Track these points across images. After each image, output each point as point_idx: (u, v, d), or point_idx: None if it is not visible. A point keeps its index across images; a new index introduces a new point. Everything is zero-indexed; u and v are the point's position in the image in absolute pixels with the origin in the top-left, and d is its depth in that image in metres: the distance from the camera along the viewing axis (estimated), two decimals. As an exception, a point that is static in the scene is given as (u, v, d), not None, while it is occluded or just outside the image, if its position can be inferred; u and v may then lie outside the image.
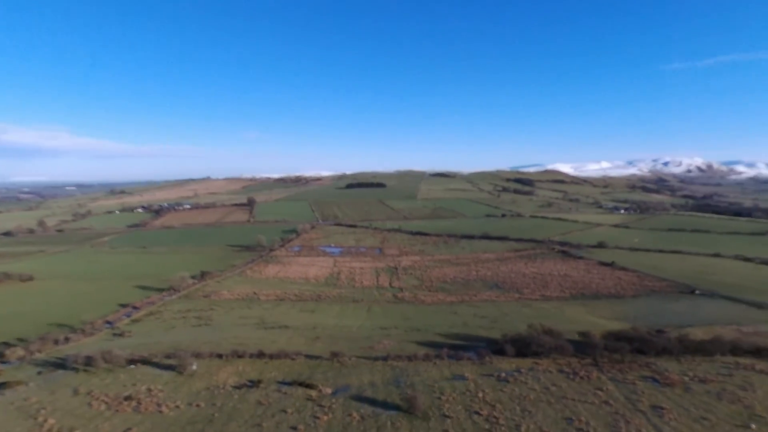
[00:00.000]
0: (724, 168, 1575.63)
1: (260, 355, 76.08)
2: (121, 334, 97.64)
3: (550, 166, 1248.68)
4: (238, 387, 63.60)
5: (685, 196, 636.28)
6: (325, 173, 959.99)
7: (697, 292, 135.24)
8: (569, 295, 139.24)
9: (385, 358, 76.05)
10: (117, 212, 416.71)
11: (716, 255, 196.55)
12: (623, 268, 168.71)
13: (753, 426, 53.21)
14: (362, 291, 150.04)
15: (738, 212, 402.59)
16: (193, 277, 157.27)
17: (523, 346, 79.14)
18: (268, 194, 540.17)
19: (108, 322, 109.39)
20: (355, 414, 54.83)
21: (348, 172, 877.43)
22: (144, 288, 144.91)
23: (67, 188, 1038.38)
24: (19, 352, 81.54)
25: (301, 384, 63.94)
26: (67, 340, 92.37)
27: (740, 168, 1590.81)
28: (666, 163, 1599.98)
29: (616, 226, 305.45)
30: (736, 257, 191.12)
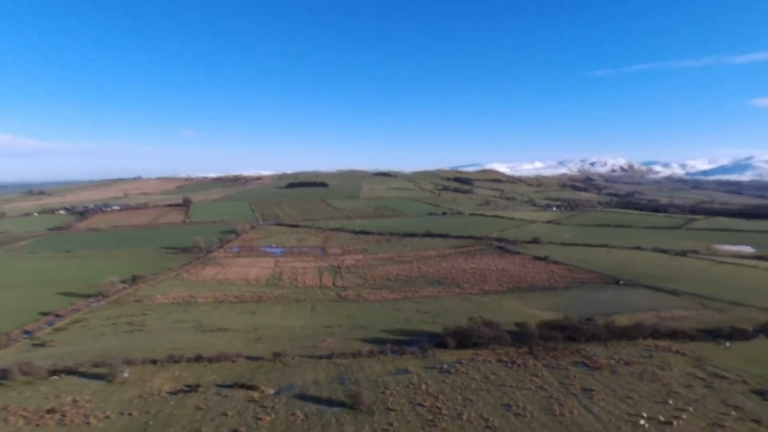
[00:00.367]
0: (643, 168, 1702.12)
1: (198, 358, 73.24)
2: (42, 344, 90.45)
3: (487, 166, 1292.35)
4: (174, 392, 60.86)
5: (610, 194, 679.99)
6: (265, 172, 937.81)
7: (621, 282, 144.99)
8: (507, 288, 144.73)
9: (329, 356, 75.71)
10: (36, 214, 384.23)
11: (637, 248, 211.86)
12: (556, 262, 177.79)
13: (671, 401, 57.93)
14: (305, 291, 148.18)
15: (656, 209, 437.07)
16: (123, 282, 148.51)
17: (463, 339, 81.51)
18: (205, 194, 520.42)
19: (26, 332, 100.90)
20: (298, 413, 54.12)
21: (289, 172, 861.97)
22: (68, 294, 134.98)
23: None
24: None
25: (242, 386, 62.24)
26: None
27: (657, 168, 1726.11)
28: (593, 164, 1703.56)
29: (548, 222, 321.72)
30: (655, 249, 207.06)
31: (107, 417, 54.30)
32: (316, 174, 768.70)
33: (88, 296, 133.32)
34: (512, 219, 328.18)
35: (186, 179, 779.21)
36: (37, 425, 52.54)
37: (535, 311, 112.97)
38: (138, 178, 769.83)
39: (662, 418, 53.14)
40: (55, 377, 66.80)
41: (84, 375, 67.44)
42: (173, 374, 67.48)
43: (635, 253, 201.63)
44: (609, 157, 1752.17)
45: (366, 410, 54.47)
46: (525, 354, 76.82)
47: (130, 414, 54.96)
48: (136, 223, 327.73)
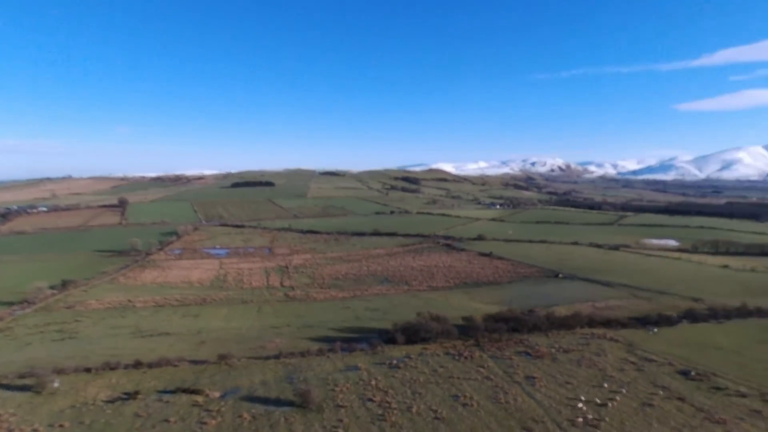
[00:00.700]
0: (579, 168, 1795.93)
1: (137, 365, 69.68)
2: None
3: (434, 166, 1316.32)
4: (110, 401, 57.57)
5: (549, 193, 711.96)
6: (208, 172, 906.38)
7: (560, 275, 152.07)
8: (453, 284, 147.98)
9: (277, 357, 74.35)
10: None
11: (575, 243, 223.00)
12: (500, 258, 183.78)
13: (606, 385, 61.44)
14: (252, 292, 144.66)
15: (591, 206, 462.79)
16: (52, 288, 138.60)
17: (412, 334, 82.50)
18: (143, 194, 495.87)
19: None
20: (246, 414, 52.74)
21: (234, 171, 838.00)
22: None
23: None
24: None
25: (185, 390, 59.85)
26: None
27: (592, 168, 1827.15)
28: (533, 163, 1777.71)
29: (492, 220, 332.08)
30: (590, 244, 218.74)
31: (35, 430, 50.54)
32: (262, 173, 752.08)
33: (12, 304, 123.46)
34: (458, 217, 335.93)
35: (122, 179, 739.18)
36: (-47, 444, 48.14)
37: (480, 305, 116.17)
38: (68, 178, 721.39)
39: (598, 401, 56.26)
40: (-27, 391, 61.36)
41: (8, 387, 62.37)
42: (109, 382, 63.83)
43: (573, 248, 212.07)
44: (548, 157, 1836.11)
45: (315, 408, 53.94)
46: (472, 346, 78.87)
47: (61, 425, 51.43)
48: (67, 225, 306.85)
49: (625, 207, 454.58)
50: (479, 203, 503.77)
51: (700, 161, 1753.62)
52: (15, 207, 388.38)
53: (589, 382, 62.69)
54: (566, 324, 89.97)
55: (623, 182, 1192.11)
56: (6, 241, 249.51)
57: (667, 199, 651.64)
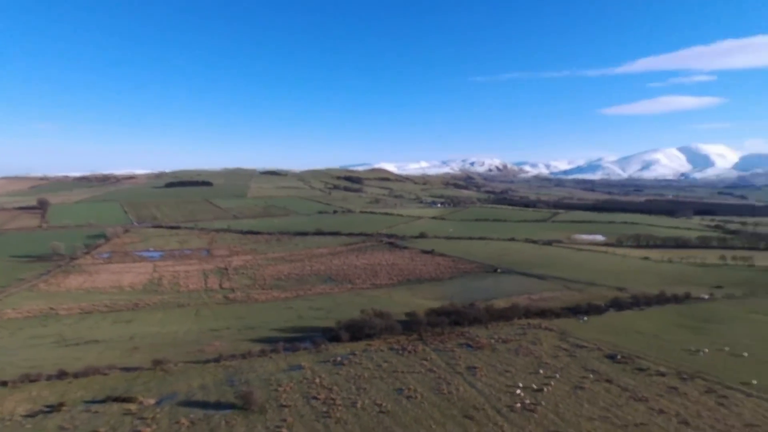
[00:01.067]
0: (516, 168, 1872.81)
1: (61, 375, 64.77)
2: None
3: (376, 165, 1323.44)
4: (31, 415, 53.12)
5: (487, 192, 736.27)
6: (140, 171, 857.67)
7: (498, 270, 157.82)
8: (397, 281, 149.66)
9: (217, 360, 71.84)
10: None
11: (511, 239, 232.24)
12: (441, 254, 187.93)
13: (541, 371, 64.43)
14: (189, 295, 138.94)
15: (526, 204, 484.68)
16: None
17: (356, 331, 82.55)
18: (66, 195, 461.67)
19: None
20: (183, 420, 50.46)
21: (168, 170, 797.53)
22: None
23: None
24: None
25: (116, 399, 56.36)
26: None
27: (527, 168, 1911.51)
28: (472, 163, 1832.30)
29: (434, 218, 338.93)
30: (526, 240, 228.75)
31: (-59, 452, 45.76)
32: (199, 172, 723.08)
33: None
34: (401, 216, 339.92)
35: (42, 178, 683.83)
36: None
37: (423, 301, 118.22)
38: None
39: (535, 386, 58.89)
40: None
41: None
42: (29, 395, 58.89)
43: (510, 244, 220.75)
44: (487, 157, 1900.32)
45: (258, 409, 52.57)
46: (415, 340, 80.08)
47: (-28, 445, 46.88)
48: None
49: (558, 205, 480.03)
50: (421, 202, 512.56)
51: (623, 162, 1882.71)
52: None
53: (526, 369, 65.48)
54: (505, 316, 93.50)
55: (555, 181, 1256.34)
56: None
57: (595, 197, 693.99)
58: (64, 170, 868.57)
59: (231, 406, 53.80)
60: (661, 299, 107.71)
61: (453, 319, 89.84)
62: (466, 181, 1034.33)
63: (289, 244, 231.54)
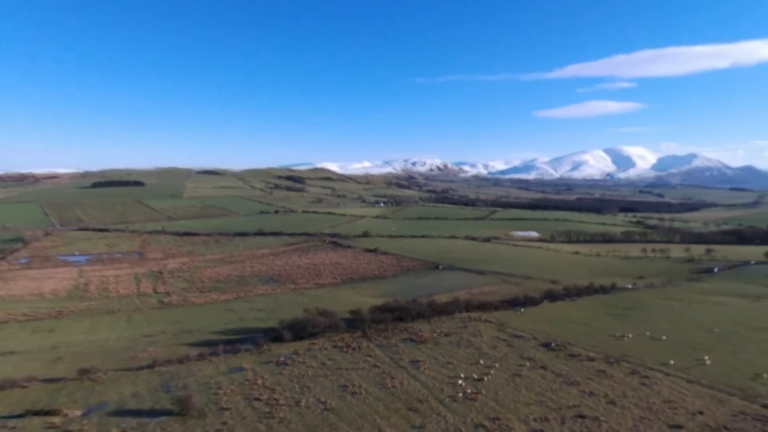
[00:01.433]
0: (456, 168, 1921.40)
1: (-28, 390, 59.03)
2: None
3: (319, 165, 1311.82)
4: (-64, 436, 48.06)
5: (429, 191, 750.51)
6: (62, 170, 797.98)
7: (440, 267, 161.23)
8: (340, 280, 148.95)
9: (151, 366, 68.25)
10: None
11: (452, 237, 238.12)
12: (385, 253, 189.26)
13: (482, 361, 66.56)
14: (119, 300, 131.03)
15: (466, 203, 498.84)
16: None
17: (300, 330, 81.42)
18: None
19: None
20: (114, 430, 47.55)
21: (94, 169, 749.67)
22: None
23: None
24: None
25: (37, 413, 52.13)
26: None
27: (467, 168, 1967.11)
28: (414, 163, 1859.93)
29: (377, 217, 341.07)
30: (466, 237, 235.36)
31: None
32: (129, 172, 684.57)
33: None
34: (344, 215, 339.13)
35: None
36: None
37: (367, 299, 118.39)
38: None
39: (476, 376, 60.77)
40: None
41: None
42: (-67, 414, 53.20)
43: (451, 241, 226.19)
44: (428, 157, 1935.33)
45: (197, 414, 50.52)
46: (359, 337, 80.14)
47: None
48: None
49: (495, 203, 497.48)
50: (364, 201, 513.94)
51: (555, 162, 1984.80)
52: None
53: (467, 360, 67.37)
54: (446, 310, 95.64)
55: (493, 181, 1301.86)
56: None
57: (530, 196, 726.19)
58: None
59: (167, 413, 51.36)
60: (591, 290, 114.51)
61: (396, 315, 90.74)
62: (408, 180, 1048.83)
63: (229, 245, 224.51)
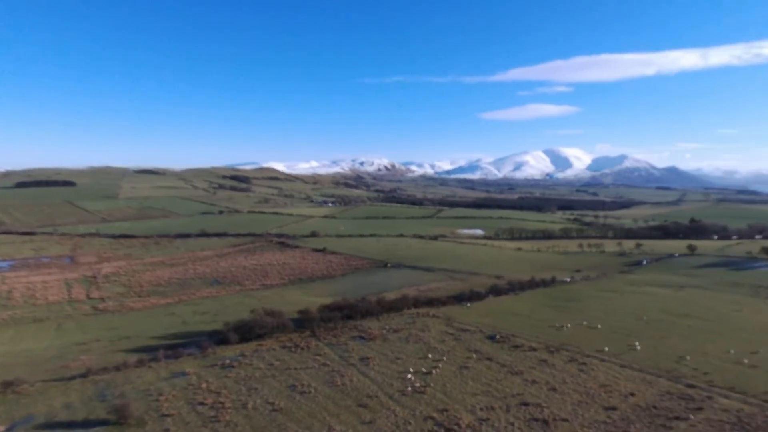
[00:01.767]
0: (403, 168, 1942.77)
1: None
2: None
3: (265, 165, 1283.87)
4: None
5: (377, 191, 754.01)
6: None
7: (389, 265, 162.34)
8: (288, 281, 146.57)
9: (84, 375, 64.16)
10: None
11: (400, 235, 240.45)
12: (333, 252, 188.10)
13: (430, 355, 67.71)
14: (48, 308, 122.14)
15: (413, 202, 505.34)
16: None
17: (246, 331, 79.39)
18: None
19: None
20: (43, 444, 44.40)
21: (18, 168, 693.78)
22: None
23: None
24: None
25: (-48, 431, 47.77)
26: None
27: (414, 168, 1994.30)
28: (362, 163, 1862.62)
29: (325, 217, 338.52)
30: (414, 236, 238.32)
31: None
32: (58, 171, 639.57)
33: None
34: (291, 215, 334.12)
35: None
36: None
37: (316, 298, 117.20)
38: None
39: (424, 370, 61.74)
40: None
41: None
42: None
43: (399, 240, 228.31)
44: (375, 157, 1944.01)
45: (135, 422, 48.05)
46: (308, 337, 79.21)
47: None
48: None
49: (442, 202, 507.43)
50: (312, 201, 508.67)
51: (498, 163, 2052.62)
52: None
53: (416, 355, 68.29)
54: (395, 307, 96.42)
55: (440, 181, 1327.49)
56: None
57: (475, 195, 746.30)
58: None
59: (103, 423, 48.53)
60: (532, 284, 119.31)
61: (346, 313, 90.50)
62: (356, 180, 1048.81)
63: (170, 248, 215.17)
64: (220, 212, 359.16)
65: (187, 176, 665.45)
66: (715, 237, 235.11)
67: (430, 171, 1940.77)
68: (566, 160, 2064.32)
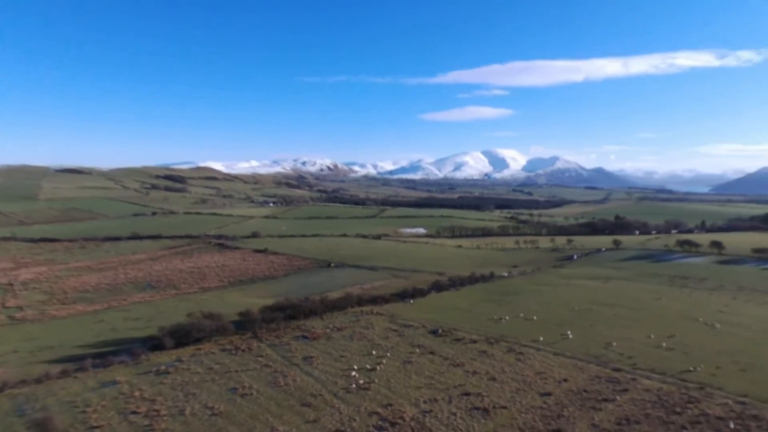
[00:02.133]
0: (346, 168, 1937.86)
1: None
2: None
3: (202, 164, 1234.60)
4: None
5: (319, 191, 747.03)
6: None
7: (332, 264, 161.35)
8: (228, 283, 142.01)
9: (0, 390, 58.88)
10: None
11: (344, 235, 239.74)
12: (275, 253, 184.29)
13: (374, 352, 68.09)
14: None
15: (356, 202, 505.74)
16: None
17: (183, 336, 76.16)
18: None
19: None
20: (-50, 467, 40.33)
21: None
22: None
23: None
24: None
25: None
26: None
27: (356, 168, 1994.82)
28: (304, 163, 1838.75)
29: (266, 217, 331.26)
30: (357, 235, 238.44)
31: None
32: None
33: None
34: (230, 216, 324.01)
35: None
36: None
37: (257, 300, 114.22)
38: None
39: (369, 366, 62.00)
40: None
41: None
42: None
43: (342, 239, 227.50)
44: (318, 157, 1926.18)
45: (60, 437, 44.79)
46: (249, 339, 77.20)
47: None
48: None
49: (385, 202, 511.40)
50: (252, 202, 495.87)
51: (439, 163, 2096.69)
52: None
53: (360, 352, 68.41)
54: (339, 306, 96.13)
55: (382, 181, 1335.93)
56: None
57: (417, 195, 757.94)
58: None
59: (22, 439, 44.80)
60: (472, 279, 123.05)
61: (288, 313, 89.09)
62: (298, 180, 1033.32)
63: (97, 252, 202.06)
64: (154, 213, 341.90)
65: (116, 176, 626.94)
66: (637, 232, 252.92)
67: (372, 171, 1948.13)
68: (503, 161, 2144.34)
